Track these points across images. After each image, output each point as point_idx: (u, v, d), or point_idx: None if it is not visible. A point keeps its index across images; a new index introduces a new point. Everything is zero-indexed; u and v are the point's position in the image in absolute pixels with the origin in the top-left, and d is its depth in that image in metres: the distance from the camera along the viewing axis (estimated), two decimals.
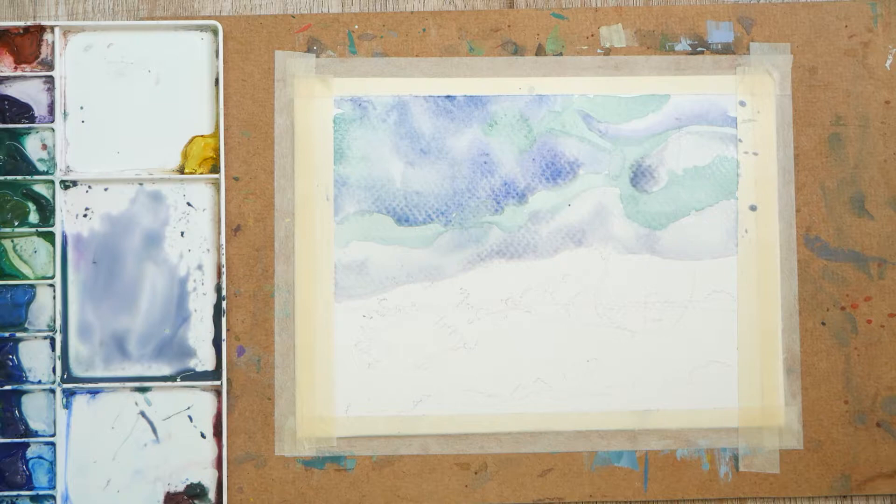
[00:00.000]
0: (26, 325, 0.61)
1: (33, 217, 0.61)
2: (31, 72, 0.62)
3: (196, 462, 0.61)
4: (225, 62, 0.62)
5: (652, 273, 0.62)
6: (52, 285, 0.61)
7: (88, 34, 0.62)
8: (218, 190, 0.62)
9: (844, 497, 0.63)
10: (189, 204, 0.62)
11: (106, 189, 0.62)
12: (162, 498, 0.61)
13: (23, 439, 0.60)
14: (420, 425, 0.61)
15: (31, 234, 0.61)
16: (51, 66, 0.62)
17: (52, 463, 0.60)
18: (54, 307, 0.61)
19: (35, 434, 0.61)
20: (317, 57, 0.63)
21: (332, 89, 0.63)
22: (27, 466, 0.60)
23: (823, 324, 0.63)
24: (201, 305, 0.61)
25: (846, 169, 0.63)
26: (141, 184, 0.62)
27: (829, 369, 0.62)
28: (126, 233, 0.61)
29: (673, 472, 0.62)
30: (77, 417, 0.61)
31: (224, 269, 0.61)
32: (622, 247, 0.63)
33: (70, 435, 0.61)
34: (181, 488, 0.61)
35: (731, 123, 0.63)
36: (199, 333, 0.61)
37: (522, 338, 0.62)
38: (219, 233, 0.62)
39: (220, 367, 0.61)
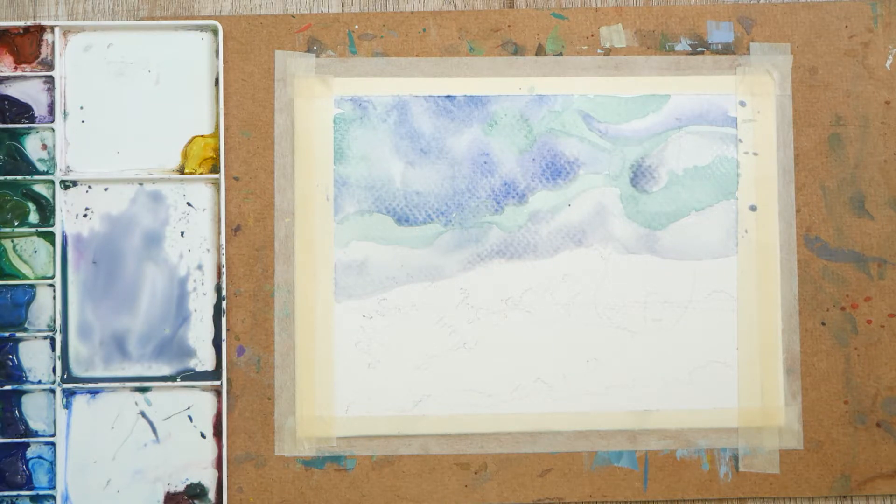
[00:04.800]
0: (26, 325, 0.61)
1: (33, 217, 0.61)
2: (31, 72, 0.62)
3: (196, 462, 0.61)
4: (225, 62, 0.62)
5: (652, 273, 0.62)
6: (52, 285, 0.61)
7: (88, 34, 0.62)
8: (218, 190, 0.62)
9: (844, 497, 0.63)
10: (189, 204, 0.62)
11: (106, 189, 0.62)
12: (162, 498, 0.61)
13: (23, 439, 0.60)
14: (420, 425, 0.61)
15: (31, 234, 0.61)
16: (51, 66, 0.62)
17: (52, 463, 0.60)
18: (54, 307, 0.61)
19: (35, 434, 0.61)
20: (317, 57, 0.63)
21: (332, 89, 0.63)
22: (27, 466, 0.60)
23: (823, 324, 0.63)
24: (201, 305, 0.61)
25: (846, 169, 0.63)
26: (141, 184, 0.62)
27: (829, 369, 0.62)
28: (126, 233, 0.61)
29: (673, 473, 0.62)
30: (77, 417, 0.61)
31: (224, 269, 0.61)
32: (622, 247, 0.63)
33: (70, 435, 0.61)
34: (181, 488, 0.61)
35: (731, 123, 0.63)
36: (199, 333, 0.61)
37: (522, 338, 0.62)
38: (219, 233, 0.62)
39: (220, 367, 0.61)
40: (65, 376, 0.61)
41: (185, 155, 0.62)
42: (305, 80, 0.63)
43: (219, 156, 0.62)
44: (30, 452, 0.61)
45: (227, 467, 0.61)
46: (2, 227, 0.61)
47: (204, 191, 0.62)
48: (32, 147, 0.62)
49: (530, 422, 0.62)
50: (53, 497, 0.60)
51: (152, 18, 0.63)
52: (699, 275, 0.62)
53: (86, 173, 0.62)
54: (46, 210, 0.61)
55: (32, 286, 0.61)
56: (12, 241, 0.61)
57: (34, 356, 0.61)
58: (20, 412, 0.61)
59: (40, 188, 0.61)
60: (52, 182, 0.61)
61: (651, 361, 0.62)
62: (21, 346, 0.61)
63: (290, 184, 0.62)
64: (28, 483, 0.60)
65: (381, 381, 0.62)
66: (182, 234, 0.62)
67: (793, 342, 0.62)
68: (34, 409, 0.61)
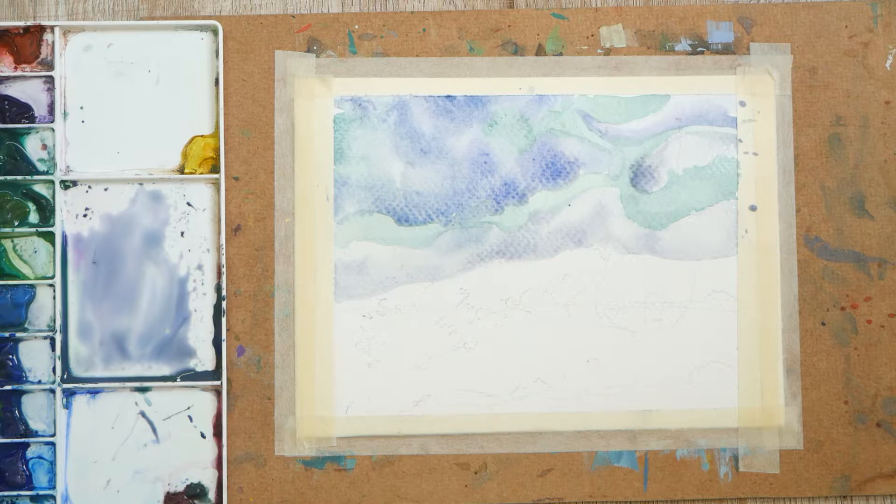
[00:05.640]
0: (26, 325, 0.61)
1: (33, 217, 0.61)
2: (31, 72, 0.62)
3: (196, 462, 0.61)
4: (225, 62, 0.62)
5: (652, 273, 0.62)
6: (52, 285, 0.61)
7: (88, 34, 0.62)
8: (218, 190, 0.62)
9: (844, 497, 0.63)
10: (189, 204, 0.62)
11: (106, 189, 0.62)
12: (162, 498, 0.61)
13: (23, 439, 0.60)
14: (420, 425, 0.61)
15: (31, 234, 0.61)
16: (51, 66, 0.62)
17: (52, 463, 0.60)
18: (54, 307, 0.61)
19: (35, 434, 0.61)
20: (317, 57, 0.63)
21: (332, 89, 0.63)
22: (27, 466, 0.60)
23: (823, 324, 0.63)
24: (201, 305, 0.61)
25: (846, 169, 0.63)
26: (141, 184, 0.62)
27: (829, 369, 0.62)
28: (126, 233, 0.61)
29: (673, 472, 0.62)
30: (77, 417, 0.61)
31: (224, 269, 0.61)
32: (622, 247, 0.63)
33: (70, 435, 0.61)
34: (181, 488, 0.61)
35: (731, 123, 0.63)
36: (199, 333, 0.61)
37: (522, 338, 0.62)
38: (219, 233, 0.62)
39: (220, 367, 0.61)
40: (65, 376, 0.61)
41: (185, 155, 0.62)
42: (305, 80, 0.63)
43: (219, 156, 0.62)
44: (30, 452, 0.61)
45: (227, 467, 0.61)
46: (2, 227, 0.61)
47: (204, 191, 0.62)
48: (32, 147, 0.62)
49: (530, 422, 0.62)
50: (53, 497, 0.60)
51: (152, 18, 0.63)
52: (699, 275, 0.62)
53: (86, 173, 0.62)
54: (46, 210, 0.61)
55: (32, 286, 0.61)
56: (12, 241, 0.61)
57: (34, 356, 0.61)
58: (20, 412, 0.61)
59: (40, 188, 0.61)
60: (52, 182, 0.61)
61: (651, 361, 0.62)
62: (21, 346, 0.61)
63: (290, 184, 0.62)
64: (28, 483, 0.60)
65: (381, 381, 0.62)
66: (182, 234, 0.62)
67: (793, 342, 0.62)
68: (34, 409, 0.61)
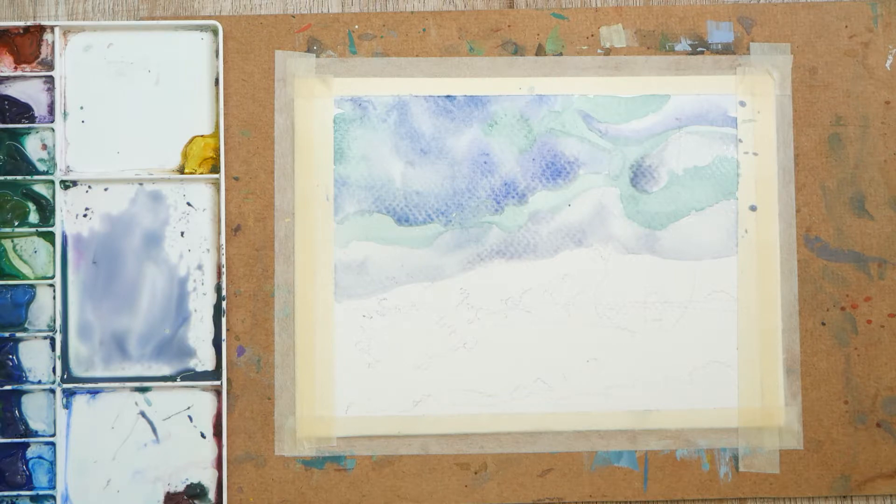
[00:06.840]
0: (26, 325, 0.61)
1: (33, 217, 0.61)
2: (31, 72, 0.62)
3: (196, 462, 0.61)
4: (225, 62, 0.62)
5: (652, 273, 0.62)
6: (52, 285, 0.61)
7: (88, 34, 0.62)
8: (218, 190, 0.62)
9: (844, 497, 0.63)
10: (189, 204, 0.62)
11: (106, 189, 0.62)
12: (162, 498, 0.61)
13: (23, 439, 0.60)
14: (420, 425, 0.61)
15: (31, 234, 0.61)
16: (51, 66, 0.62)
17: (52, 463, 0.60)
18: (54, 307, 0.61)
19: (35, 434, 0.61)
20: (317, 57, 0.63)
21: (332, 89, 0.63)
22: (27, 466, 0.60)
23: (823, 324, 0.63)
24: (201, 305, 0.61)
25: (846, 169, 0.63)
26: (141, 184, 0.62)
27: (829, 369, 0.62)
28: (126, 233, 0.61)
29: (673, 472, 0.62)
30: (77, 417, 0.61)
31: (224, 269, 0.61)
32: (622, 247, 0.63)
33: (70, 435, 0.61)
34: (181, 488, 0.61)
35: (731, 123, 0.63)
36: (199, 333, 0.61)
37: (522, 338, 0.62)
38: (219, 233, 0.62)
39: (220, 367, 0.61)
40: (65, 376, 0.61)
41: (185, 155, 0.62)
42: (305, 80, 0.63)
43: (219, 156, 0.62)
44: (30, 452, 0.61)
45: (227, 467, 0.61)
46: (2, 227, 0.61)
47: (204, 191, 0.62)
48: (32, 147, 0.62)
49: (530, 422, 0.62)
50: (53, 497, 0.60)
51: (152, 18, 0.63)
52: (699, 275, 0.62)
53: (86, 173, 0.62)
54: (46, 210, 0.61)
55: (32, 286, 0.61)
56: (12, 241, 0.61)
57: (34, 356, 0.61)
58: (20, 412, 0.61)
59: (40, 188, 0.61)
60: (52, 182, 0.61)
61: (651, 361, 0.62)
62: (21, 346, 0.61)
63: (290, 184, 0.62)
64: (28, 483, 0.60)
65: (381, 381, 0.62)
66: (182, 234, 0.62)
67: (793, 342, 0.62)
68: (34, 409, 0.61)
